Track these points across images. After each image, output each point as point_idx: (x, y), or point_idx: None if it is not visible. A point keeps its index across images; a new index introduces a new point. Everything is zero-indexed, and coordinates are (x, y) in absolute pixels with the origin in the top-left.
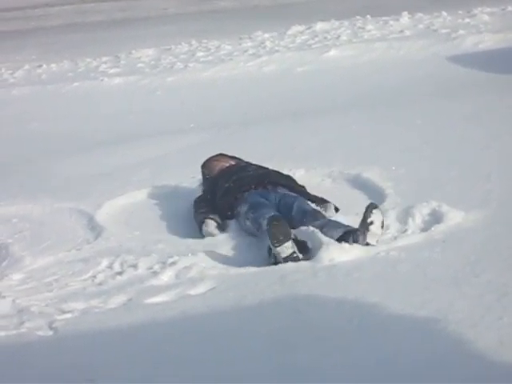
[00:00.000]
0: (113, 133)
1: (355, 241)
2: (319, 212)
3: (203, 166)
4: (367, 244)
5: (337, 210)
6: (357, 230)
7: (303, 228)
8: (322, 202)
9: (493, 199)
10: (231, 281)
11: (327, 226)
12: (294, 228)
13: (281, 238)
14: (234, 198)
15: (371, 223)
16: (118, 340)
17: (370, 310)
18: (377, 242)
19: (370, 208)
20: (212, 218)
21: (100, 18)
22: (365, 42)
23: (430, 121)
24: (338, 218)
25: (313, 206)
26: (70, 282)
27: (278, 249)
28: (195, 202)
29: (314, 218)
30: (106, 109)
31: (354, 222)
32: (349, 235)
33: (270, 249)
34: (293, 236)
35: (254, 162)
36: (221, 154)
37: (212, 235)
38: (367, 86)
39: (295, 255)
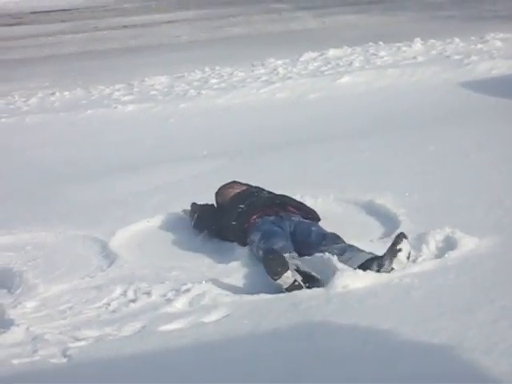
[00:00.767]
0: (126, 160)
1: (380, 265)
2: (338, 236)
3: (217, 194)
4: (392, 269)
5: None
6: (383, 256)
7: (318, 255)
8: None
9: (506, 225)
10: (245, 308)
11: (349, 251)
12: (310, 254)
13: (279, 270)
14: (247, 221)
15: (400, 250)
16: (131, 367)
17: (384, 337)
18: (402, 269)
19: (400, 236)
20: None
21: (113, 45)
22: (377, 69)
23: (442, 146)
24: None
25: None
26: (83, 310)
27: (279, 281)
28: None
29: (333, 241)
30: (120, 136)
31: (370, 248)
32: (372, 261)
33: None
34: (294, 267)
35: (266, 189)
36: (234, 182)
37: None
38: (380, 112)
39: (297, 283)
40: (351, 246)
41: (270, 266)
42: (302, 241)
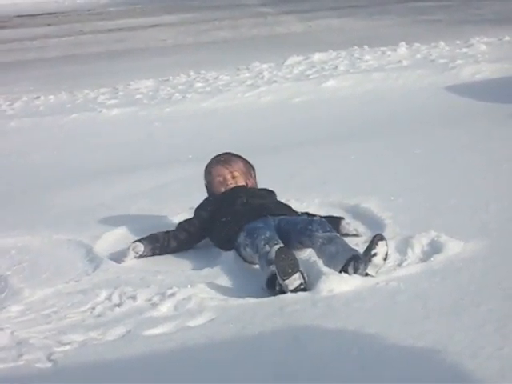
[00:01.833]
0: (111, 164)
1: (356, 269)
2: (325, 222)
3: (206, 169)
4: (366, 274)
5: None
6: (359, 258)
7: (303, 257)
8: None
9: (491, 229)
10: (230, 312)
11: (334, 243)
12: (300, 242)
13: (289, 271)
14: (231, 233)
15: (374, 255)
16: (116, 372)
17: (370, 341)
18: (376, 273)
19: (375, 239)
20: (141, 246)
21: (98, 49)
22: (362, 73)
23: (428, 150)
24: None
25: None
26: (68, 314)
27: (287, 281)
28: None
29: (320, 226)
30: (105, 140)
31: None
32: (349, 263)
33: (268, 281)
34: (301, 268)
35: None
36: (228, 154)
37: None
38: (365, 116)
39: (302, 286)
40: (337, 237)
41: (282, 265)
42: (289, 229)
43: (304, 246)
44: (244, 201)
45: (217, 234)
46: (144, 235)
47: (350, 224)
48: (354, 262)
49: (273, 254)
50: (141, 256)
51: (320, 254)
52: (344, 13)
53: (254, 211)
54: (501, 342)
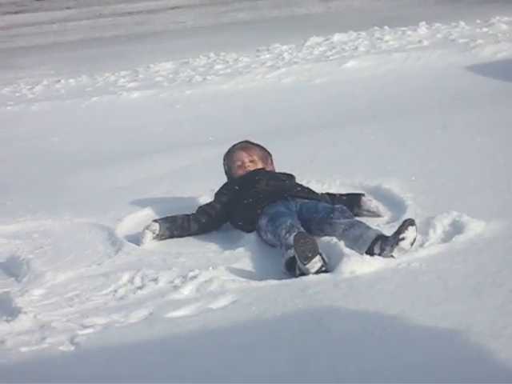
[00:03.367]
0: (132, 147)
1: (382, 249)
2: (346, 209)
3: (225, 156)
4: (391, 256)
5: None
6: (386, 239)
7: (325, 239)
8: (349, 199)
9: None
10: (252, 294)
11: (357, 227)
12: (320, 229)
13: (309, 255)
14: (253, 214)
15: (403, 239)
16: (139, 354)
17: (392, 322)
18: (400, 255)
19: (406, 223)
20: (156, 225)
21: (118, 32)
22: (383, 53)
23: (449, 130)
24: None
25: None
26: (91, 297)
27: (308, 265)
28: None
29: (341, 214)
30: (125, 123)
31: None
32: (376, 242)
33: (287, 263)
34: (320, 250)
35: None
36: (246, 142)
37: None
38: (385, 97)
39: (324, 268)
40: (359, 222)
41: (302, 250)
42: (310, 217)
43: (325, 233)
44: (264, 183)
45: (238, 216)
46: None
47: (371, 201)
48: (381, 243)
49: (291, 240)
50: (160, 237)
51: (343, 238)
52: None
53: (275, 193)
54: None
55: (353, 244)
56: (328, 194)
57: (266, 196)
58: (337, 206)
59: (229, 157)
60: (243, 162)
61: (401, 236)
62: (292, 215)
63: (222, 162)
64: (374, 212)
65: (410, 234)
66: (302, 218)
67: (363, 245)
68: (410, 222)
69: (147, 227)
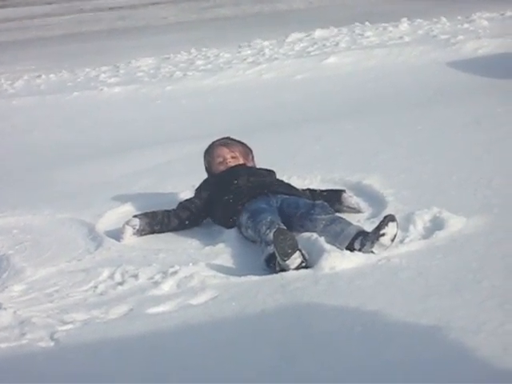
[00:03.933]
0: (113, 142)
1: (362, 245)
2: (327, 205)
3: (206, 152)
4: (371, 252)
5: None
6: (367, 235)
7: (305, 235)
8: (330, 195)
9: (494, 205)
10: (232, 290)
11: (337, 222)
12: (301, 225)
13: (289, 252)
14: (233, 210)
15: (383, 235)
16: (119, 350)
17: (372, 318)
18: (380, 251)
19: (386, 219)
20: (136, 220)
21: (99, 27)
22: (364, 49)
23: (430, 126)
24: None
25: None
26: (71, 293)
27: (288, 262)
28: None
29: (322, 210)
30: (106, 118)
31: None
32: (357, 238)
33: (267, 259)
34: (300, 246)
35: (256, 168)
36: (227, 138)
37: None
38: (367, 93)
39: (304, 264)
40: (340, 218)
41: (281, 246)
42: (291, 213)
43: (305, 229)
44: (245, 178)
45: (218, 211)
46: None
47: (352, 197)
48: (362, 239)
49: (271, 236)
50: (140, 233)
51: (324, 234)
52: None
53: (255, 188)
54: (503, 317)
55: (333, 240)
56: (309, 189)
57: (246, 192)
58: (317, 202)
59: (209, 153)
60: (224, 158)
61: (381, 232)
62: (273, 211)
63: (202, 158)
64: (354, 208)
65: (390, 229)
66: (282, 214)
67: (344, 240)
68: (390, 218)
69: (127, 222)
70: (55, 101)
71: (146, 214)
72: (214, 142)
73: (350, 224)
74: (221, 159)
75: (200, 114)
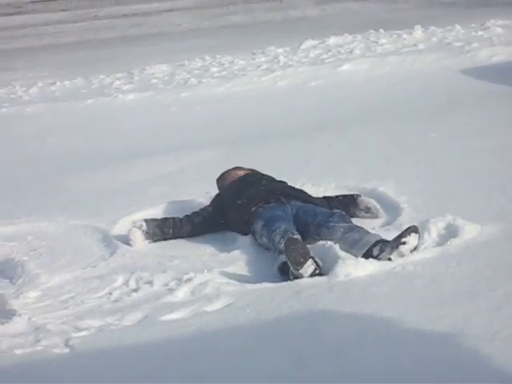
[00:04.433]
0: (127, 149)
1: (381, 251)
2: (345, 215)
3: (218, 180)
4: (389, 259)
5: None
6: (387, 241)
7: (320, 243)
8: (346, 200)
9: (508, 212)
10: (247, 297)
11: (356, 231)
12: (318, 234)
13: (301, 261)
14: (247, 214)
15: (404, 243)
16: (133, 357)
17: (386, 325)
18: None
19: (409, 230)
20: (142, 222)
21: (113, 34)
22: (378, 56)
23: (444, 134)
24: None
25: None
26: (85, 300)
27: (301, 271)
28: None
29: (341, 219)
30: (121, 125)
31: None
32: (376, 245)
33: (280, 267)
34: (311, 254)
35: (267, 175)
36: (237, 168)
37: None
38: (381, 100)
39: (317, 271)
40: (359, 227)
41: (293, 256)
42: (308, 221)
43: (322, 238)
44: (257, 183)
45: (232, 216)
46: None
47: (369, 199)
48: (381, 245)
49: (283, 246)
50: (152, 237)
51: (342, 241)
52: None
53: (268, 192)
54: None
55: (351, 247)
56: (324, 197)
57: (259, 195)
58: (336, 210)
59: (222, 177)
60: (237, 175)
61: (402, 240)
62: (287, 219)
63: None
64: (370, 208)
65: (412, 240)
66: (299, 222)
67: (362, 247)
68: (413, 229)
69: (133, 224)
70: (69, 108)
71: (155, 219)
72: (224, 172)
73: (368, 232)
74: (233, 177)
75: (214, 121)
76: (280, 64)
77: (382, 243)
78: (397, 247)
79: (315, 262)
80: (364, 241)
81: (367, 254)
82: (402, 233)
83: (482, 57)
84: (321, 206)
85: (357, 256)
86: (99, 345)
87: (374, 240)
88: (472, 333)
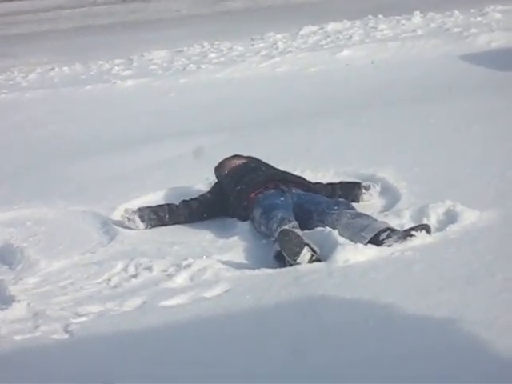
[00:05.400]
0: (126, 135)
1: (388, 236)
2: (351, 204)
3: (216, 168)
4: (388, 246)
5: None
6: (396, 230)
7: (319, 229)
8: (348, 186)
9: (507, 198)
10: (246, 283)
11: (362, 217)
12: (322, 221)
13: (297, 250)
14: (246, 199)
15: (412, 236)
16: (132, 343)
17: (386, 311)
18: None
19: (422, 226)
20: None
21: (112, 20)
22: (377, 42)
23: (443, 120)
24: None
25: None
26: (85, 286)
27: (298, 260)
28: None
29: (346, 206)
30: (119, 111)
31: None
32: (385, 231)
33: (276, 256)
34: (305, 240)
35: (265, 162)
36: (236, 156)
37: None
38: (380, 86)
39: (314, 257)
40: (366, 214)
41: (288, 247)
42: (312, 208)
43: (325, 224)
44: (256, 169)
45: (231, 202)
46: None
47: (369, 185)
48: (390, 232)
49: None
50: (149, 222)
51: (348, 226)
52: None
53: (267, 177)
54: None
55: (356, 232)
56: (328, 184)
57: (258, 180)
58: (341, 199)
59: (221, 165)
60: (235, 163)
61: (412, 233)
62: (286, 207)
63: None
64: (371, 186)
65: (421, 236)
66: (301, 210)
67: (370, 232)
68: (426, 227)
69: (125, 211)
70: (68, 94)
71: (149, 206)
72: (222, 160)
73: (376, 220)
74: (232, 165)
75: (213, 107)
76: (279, 50)
77: (391, 231)
78: (404, 238)
79: (311, 248)
80: (372, 226)
81: (375, 239)
82: (415, 226)
83: (480, 42)
84: (323, 194)
85: (363, 240)
86: (98, 331)
87: (384, 226)
88: (471, 318)
